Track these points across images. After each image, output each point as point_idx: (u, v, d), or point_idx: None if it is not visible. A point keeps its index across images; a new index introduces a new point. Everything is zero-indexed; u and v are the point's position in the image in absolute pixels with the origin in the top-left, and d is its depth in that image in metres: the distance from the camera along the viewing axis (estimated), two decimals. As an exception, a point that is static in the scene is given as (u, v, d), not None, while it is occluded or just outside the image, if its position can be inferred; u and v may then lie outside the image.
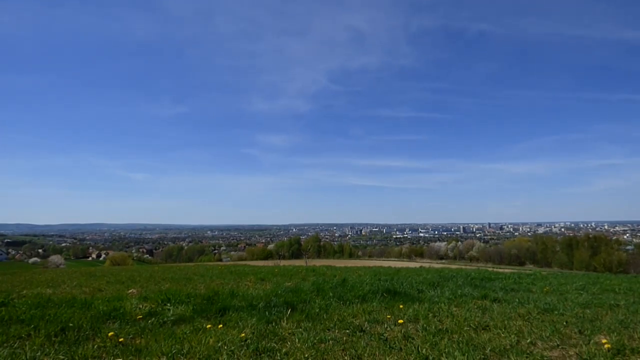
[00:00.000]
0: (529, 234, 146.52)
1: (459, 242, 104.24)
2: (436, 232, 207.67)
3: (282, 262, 26.68)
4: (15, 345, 3.42)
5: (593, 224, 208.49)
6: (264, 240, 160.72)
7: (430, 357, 3.12)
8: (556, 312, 4.82)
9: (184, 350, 3.24)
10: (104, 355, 3.20)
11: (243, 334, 3.69)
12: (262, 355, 3.21)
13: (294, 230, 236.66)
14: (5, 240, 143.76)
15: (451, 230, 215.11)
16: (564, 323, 4.25)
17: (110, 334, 3.69)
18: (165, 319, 4.45)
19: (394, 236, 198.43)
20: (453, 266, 26.15)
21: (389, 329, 4.02)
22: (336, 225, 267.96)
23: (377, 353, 3.25)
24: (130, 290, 7.17)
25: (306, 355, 3.17)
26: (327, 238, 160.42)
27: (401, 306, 5.06)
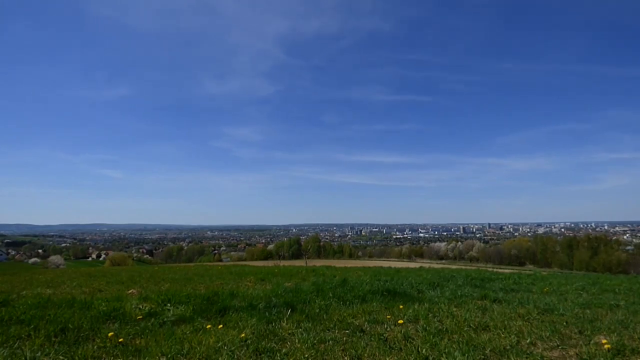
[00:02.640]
0: (529, 234, 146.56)
1: (459, 243, 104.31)
2: (436, 233, 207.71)
3: (282, 263, 26.66)
4: (15, 346, 3.41)
5: (593, 224, 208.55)
6: (264, 241, 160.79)
7: (430, 358, 3.12)
8: (556, 313, 4.82)
9: (184, 351, 3.24)
10: (103, 355, 3.20)
11: (243, 334, 3.69)
12: (262, 355, 3.21)
13: (294, 230, 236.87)
14: (5, 241, 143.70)
15: (451, 231, 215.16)
16: (564, 323, 4.25)
17: (110, 334, 3.69)
18: (165, 319, 4.44)
19: (394, 236, 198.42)
20: (453, 266, 26.16)
21: (389, 329, 4.01)
22: (336, 225, 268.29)
23: (377, 353, 3.25)
24: (130, 291, 7.17)
25: (306, 356, 3.17)
26: (327, 238, 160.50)
27: (401, 306, 5.05)
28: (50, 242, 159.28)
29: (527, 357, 3.17)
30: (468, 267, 27.75)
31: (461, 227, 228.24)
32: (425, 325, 4.10)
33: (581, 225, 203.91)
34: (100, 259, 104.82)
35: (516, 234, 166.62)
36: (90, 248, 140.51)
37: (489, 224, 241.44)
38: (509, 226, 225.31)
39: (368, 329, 4.03)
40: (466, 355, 3.13)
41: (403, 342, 3.53)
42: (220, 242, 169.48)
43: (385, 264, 31.04)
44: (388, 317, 4.48)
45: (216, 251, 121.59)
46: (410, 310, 4.79)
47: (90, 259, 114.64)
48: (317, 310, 4.85)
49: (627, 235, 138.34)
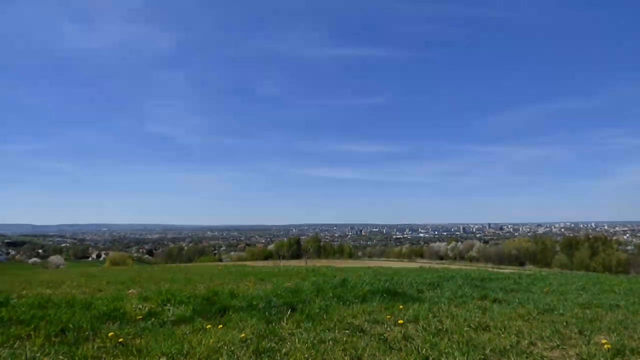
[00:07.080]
0: (529, 234, 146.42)
1: (459, 243, 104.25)
2: (436, 233, 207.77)
3: (282, 263, 26.67)
4: (15, 346, 3.41)
5: (593, 224, 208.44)
6: (264, 241, 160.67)
7: (430, 358, 3.12)
8: (556, 313, 4.82)
9: (184, 351, 3.24)
10: (104, 355, 3.20)
11: (243, 334, 3.69)
12: (262, 355, 3.21)
13: (294, 230, 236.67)
14: (5, 241, 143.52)
15: (451, 231, 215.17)
16: (564, 323, 4.25)
17: (110, 334, 3.69)
18: (165, 319, 4.45)
19: (394, 236, 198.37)
20: (453, 266, 26.16)
21: (388, 329, 4.02)
22: (336, 225, 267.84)
23: (377, 353, 3.25)
24: (130, 291, 7.17)
25: (306, 356, 3.17)
26: (327, 238, 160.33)
27: (401, 306, 5.05)
28: (50, 242, 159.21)
29: (527, 357, 3.16)
30: (468, 267, 27.77)
31: (461, 227, 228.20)
32: (425, 325, 4.10)
33: (581, 225, 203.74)
34: (100, 259, 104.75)
35: (516, 234, 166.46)
36: (90, 248, 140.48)
37: (489, 224, 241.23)
38: (509, 226, 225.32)
39: (368, 329, 4.03)
40: (466, 355, 3.13)
41: (403, 342, 3.53)
42: (220, 242, 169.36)
43: (385, 264, 31.06)
44: (388, 317, 4.48)
45: (216, 251, 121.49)
46: (410, 310, 4.79)
47: (90, 259, 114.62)
48: (317, 310, 4.84)
49: (627, 235, 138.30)
